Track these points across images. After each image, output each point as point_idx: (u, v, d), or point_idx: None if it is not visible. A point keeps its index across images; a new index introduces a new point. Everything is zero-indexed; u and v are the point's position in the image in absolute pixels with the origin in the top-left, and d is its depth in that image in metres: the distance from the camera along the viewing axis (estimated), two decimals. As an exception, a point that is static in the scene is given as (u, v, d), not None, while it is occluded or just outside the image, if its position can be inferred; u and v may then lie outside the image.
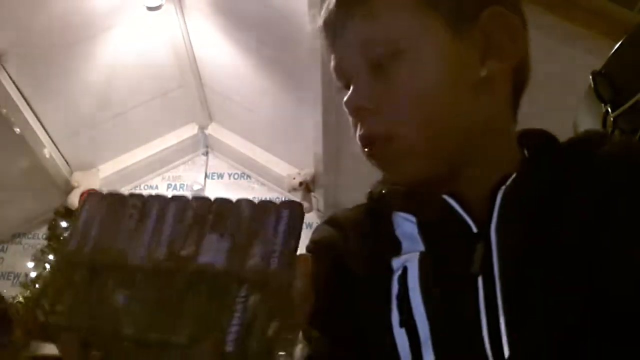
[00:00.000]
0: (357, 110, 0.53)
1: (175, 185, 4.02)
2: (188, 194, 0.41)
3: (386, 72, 0.51)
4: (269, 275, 0.35)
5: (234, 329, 0.34)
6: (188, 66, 3.43)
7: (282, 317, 0.34)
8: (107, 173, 3.75)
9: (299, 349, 0.39)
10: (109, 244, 0.39)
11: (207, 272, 0.36)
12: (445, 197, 0.53)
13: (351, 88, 0.53)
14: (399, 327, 0.50)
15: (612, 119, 0.97)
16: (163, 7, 2.88)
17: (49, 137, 3.31)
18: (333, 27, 0.55)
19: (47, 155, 3.30)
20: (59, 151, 3.48)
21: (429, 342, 0.48)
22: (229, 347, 0.34)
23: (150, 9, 2.85)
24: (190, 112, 3.82)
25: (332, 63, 0.57)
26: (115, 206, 0.41)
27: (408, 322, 0.49)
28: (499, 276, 0.47)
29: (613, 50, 1.19)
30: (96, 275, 0.38)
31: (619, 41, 1.16)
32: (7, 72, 2.80)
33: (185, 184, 4.01)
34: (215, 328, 0.34)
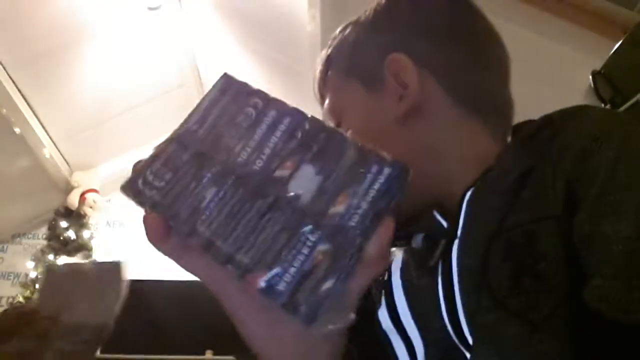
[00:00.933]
0: None
1: (175, 185, 4.02)
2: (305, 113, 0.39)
3: None
4: (343, 230, 0.34)
5: (291, 270, 0.33)
6: (188, 66, 3.43)
7: (339, 279, 0.33)
8: (107, 173, 3.75)
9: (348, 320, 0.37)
10: (221, 136, 0.39)
11: (290, 203, 0.35)
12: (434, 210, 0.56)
13: None
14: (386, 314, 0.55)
15: (612, 119, 0.98)
16: (163, 7, 2.89)
17: (49, 137, 3.31)
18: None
19: (47, 155, 3.30)
20: (59, 151, 3.48)
21: (413, 325, 0.53)
22: (280, 286, 0.33)
23: (150, 9, 2.85)
24: (190, 112, 3.82)
25: None
26: (240, 97, 0.40)
27: (391, 308, 0.55)
28: (456, 267, 0.48)
29: (613, 50, 1.19)
30: (199, 162, 0.38)
31: (619, 41, 1.16)
32: (7, 72, 2.80)
33: (185, 184, 4.01)
34: (274, 261, 0.34)
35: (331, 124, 0.62)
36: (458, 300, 0.47)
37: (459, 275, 0.48)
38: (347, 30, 0.64)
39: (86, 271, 0.83)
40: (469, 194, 0.51)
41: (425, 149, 0.57)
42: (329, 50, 0.65)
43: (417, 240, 0.57)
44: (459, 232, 0.50)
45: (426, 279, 0.52)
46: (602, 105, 1.43)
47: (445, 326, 0.48)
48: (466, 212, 0.51)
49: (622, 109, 1.13)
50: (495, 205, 0.48)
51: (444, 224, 0.53)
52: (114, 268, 0.82)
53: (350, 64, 0.62)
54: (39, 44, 2.82)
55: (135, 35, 3.03)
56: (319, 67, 0.66)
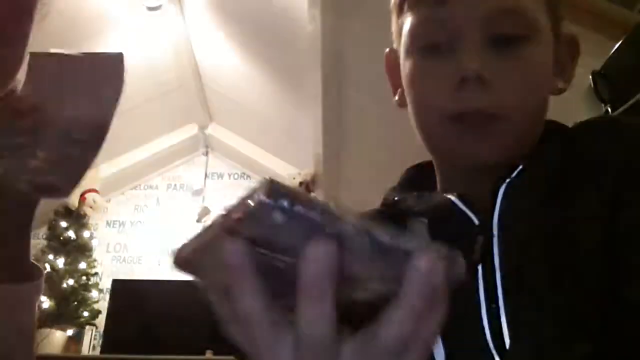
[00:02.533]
0: (476, 79, 0.50)
1: (175, 185, 4.02)
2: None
3: (510, 50, 0.51)
4: None
5: None
6: (188, 66, 3.43)
7: None
8: (107, 173, 3.75)
9: None
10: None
11: None
12: (449, 196, 0.54)
13: (467, 52, 0.50)
14: None
15: (612, 119, 0.98)
16: (163, 7, 2.89)
17: (49, 137, 3.30)
18: None
19: (47, 155, 3.30)
20: (59, 151, 3.47)
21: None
22: None
23: (150, 9, 2.85)
24: (190, 112, 3.81)
25: (431, 15, 0.53)
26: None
27: None
28: (499, 266, 0.48)
29: (613, 50, 1.19)
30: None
31: (619, 41, 1.16)
32: (7, 72, 2.80)
33: (185, 184, 4.01)
34: None
35: (508, 26, 0.51)
36: (501, 302, 0.47)
37: (502, 277, 0.47)
38: None
39: (79, 60, 0.65)
40: (502, 188, 0.50)
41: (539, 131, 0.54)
42: None
43: (416, 228, 0.55)
44: (495, 230, 0.49)
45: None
46: (602, 105, 1.43)
47: (482, 327, 0.47)
48: (501, 207, 0.49)
49: (622, 109, 1.13)
50: (534, 203, 0.48)
51: (474, 218, 0.51)
52: (114, 60, 0.65)
53: (556, 11, 0.55)
54: (39, 44, 2.81)
55: (135, 35, 3.03)
56: None
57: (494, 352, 0.46)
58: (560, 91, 0.56)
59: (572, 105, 1.00)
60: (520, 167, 0.51)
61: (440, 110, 0.52)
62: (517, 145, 0.52)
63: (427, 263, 0.27)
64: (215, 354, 3.03)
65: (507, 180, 0.51)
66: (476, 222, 0.51)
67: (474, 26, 0.51)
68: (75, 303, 3.33)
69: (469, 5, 0.51)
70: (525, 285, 0.46)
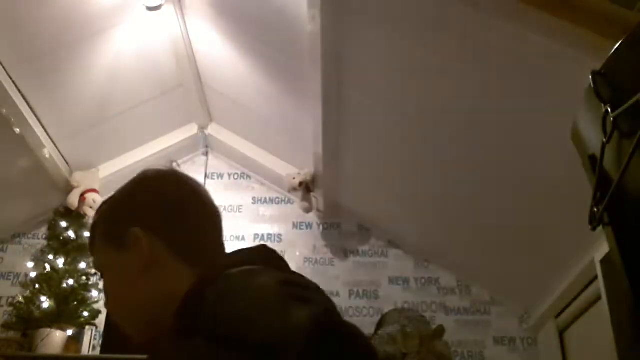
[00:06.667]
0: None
1: (175, 185, 4.01)
2: None
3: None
4: None
5: None
6: (188, 66, 3.43)
7: None
8: (107, 173, 3.75)
9: None
10: None
11: None
12: None
13: None
14: None
15: (612, 119, 0.97)
16: (163, 7, 2.88)
17: (49, 137, 3.31)
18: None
19: (47, 155, 3.30)
20: (59, 151, 3.48)
21: None
22: None
23: (150, 9, 2.84)
24: (190, 112, 3.81)
25: None
26: None
27: None
28: None
29: (613, 50, 1.19)
30: None
31: (619, 41, 1.16)
32: (6, 72, 2.80)
33: (185, 184, 4.00)
34: None
35: (98, 272, 0.87)
36: None
37: None
38: (106, 205, 0.87)
39: None
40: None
41: (158, 294, 0.77)
42: (95, 219, 0.88)
43: None
44: None
45: None
46: (602, 105, 1.42)
47: None
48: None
49: (622, 109, 1.12)
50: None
51: None
52: None
53: (107, 232, 0.84)
54: (39, 44, 2.82)
55: (135, 35, 3.03)
56: (90, 233, 0.88)
57: None
58: (141, 265, 0.79)
59: (572, 105, 1.00)
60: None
61: None
62: (137, 325, 0.81)
63: None
64: (215, 354, 3.03)
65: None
66: None
67: None
68: (75, 303, 3.32)
69: None
70: None
